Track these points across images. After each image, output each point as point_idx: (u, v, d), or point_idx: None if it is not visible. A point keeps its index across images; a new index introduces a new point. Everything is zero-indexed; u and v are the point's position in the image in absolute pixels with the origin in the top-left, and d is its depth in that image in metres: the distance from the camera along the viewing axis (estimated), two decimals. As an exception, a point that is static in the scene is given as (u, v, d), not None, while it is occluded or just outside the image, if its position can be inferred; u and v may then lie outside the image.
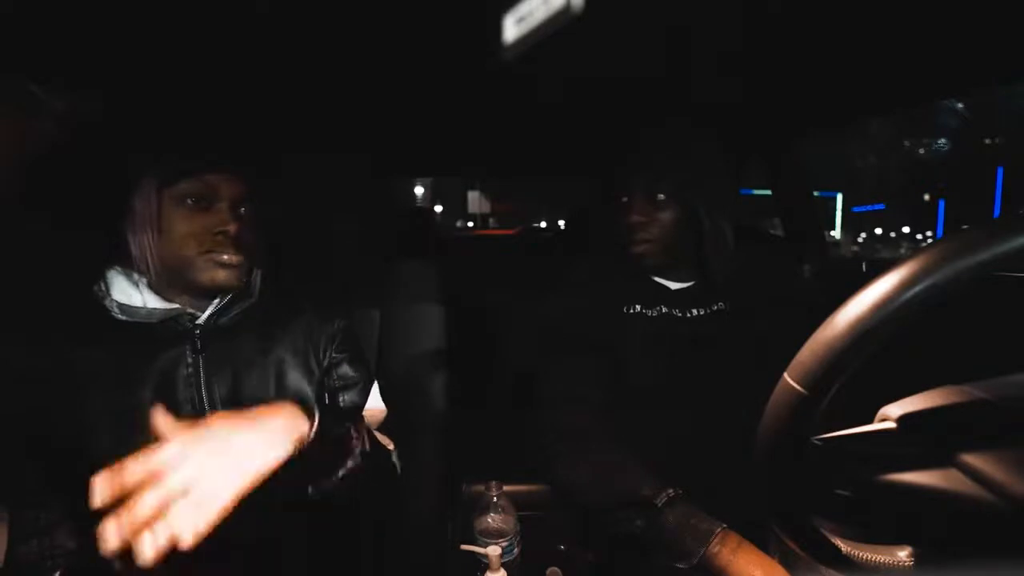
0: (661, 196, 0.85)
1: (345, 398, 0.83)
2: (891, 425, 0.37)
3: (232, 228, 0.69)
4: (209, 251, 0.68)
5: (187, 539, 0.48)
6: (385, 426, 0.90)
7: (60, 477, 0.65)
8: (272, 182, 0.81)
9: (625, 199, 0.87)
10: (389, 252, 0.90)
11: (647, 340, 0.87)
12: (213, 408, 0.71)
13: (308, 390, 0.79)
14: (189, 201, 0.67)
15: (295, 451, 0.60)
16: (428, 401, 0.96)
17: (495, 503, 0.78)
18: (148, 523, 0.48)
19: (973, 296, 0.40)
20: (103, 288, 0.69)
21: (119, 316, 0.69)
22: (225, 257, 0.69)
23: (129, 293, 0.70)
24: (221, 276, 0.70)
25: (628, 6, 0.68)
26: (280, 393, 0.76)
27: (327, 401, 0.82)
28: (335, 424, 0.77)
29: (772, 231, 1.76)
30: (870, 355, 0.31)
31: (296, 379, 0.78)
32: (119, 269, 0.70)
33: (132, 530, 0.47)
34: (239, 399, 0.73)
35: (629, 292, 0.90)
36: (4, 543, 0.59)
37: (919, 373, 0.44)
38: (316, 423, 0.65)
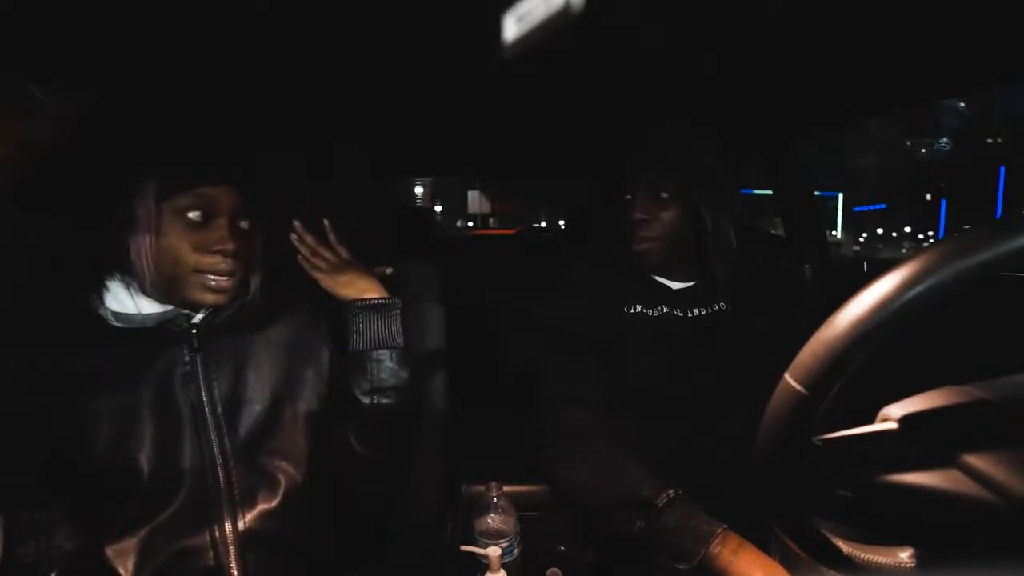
0: (664, 195, 0.85)
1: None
2: (892, 425, 0.37)
3: (230, 246, 0.68)
4: (202, 271, 0.68)
5: None
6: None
7: (60, 478, 0.65)
8: (273, 185, 0.81)
9: (628, 197, 0.87)
10: (389, 252, 0.90)
11: (648, 340, 0.87)
12: (212, 406, 0.71)
13: (314, 379, 0.79)
14: (188, 215, 0.67)
15: None
16: (428, 401, 0.96)
17: (495, 504, 0.78)
18: None
19: (975, 296, 0.40)
20: (98, 298, 0.69)
21: (115, 324, 0.69)
22: (214, 281, 0.69)
23: (123, 300, 0.70)
24: (209, 298, 0.70)
25: (627, 6, 0.68)
26: (284, 386, 0.76)
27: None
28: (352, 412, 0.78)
29: (772, 231, 1.76)
30: (871, 355, 0.31)
31: (300, 368, 0.78)
32: (115, 275, 0.70)
33: None
34: (240, 395, 0.73)
35: (630, 292, 0.90)
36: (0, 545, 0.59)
37: (920, 373, 0.44)
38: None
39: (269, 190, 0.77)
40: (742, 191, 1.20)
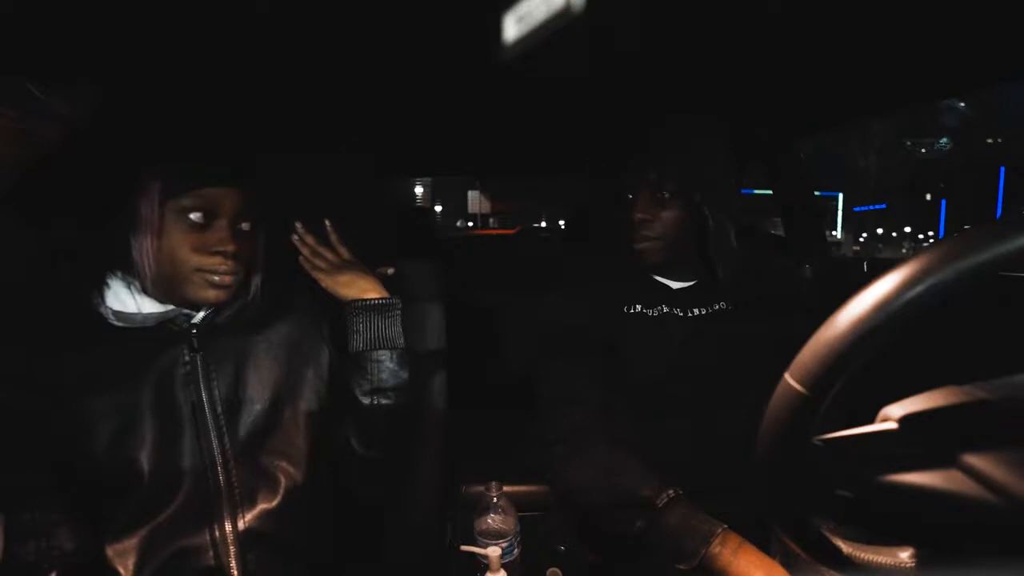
0: (666, 194, 0.85)
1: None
2: (893, 425, 0.37)
3: (230, 248, 0.68)
4: (203, 269, 0.68)
5: None
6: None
7: (60, 478, 0.65)
8: (274, 186, 0.81)
9: (630, 196, 0.87)
10: (389, 252, 0.90)
11: (648, 340, 0.87)
12: (213, 406, 0.71)
13: (314, 379, 0.79)
14: (190, 216, 0.67)
15: None
16: (428, 401, 0.96)
17: (495, 504, 0.78)
18: None
19: (975, 296, 0.40)
20: (99, 297, 0.69)
21: (116, 323, 0.69)
22: (217, 278, 0.69)
23: (124, 300, 0.70)
24: (211, 295, 0.70)
25: (627, 7, 0.68)
26: (284, 386, 0.76)
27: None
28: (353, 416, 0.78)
29: (772, 231, 1.76)
30: (871, 355, 0.31)
31: (300, 368, 0.78)
32: (116, 274, 0.70)
33: None
34: (240, 395, 0.73)
35: (630, 291, 0.90)
36: (0, 545, 0.59)
37: (921, 373, 0.44)
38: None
39: (271, 191, 0.77)
40: (742, 191, 1.20)
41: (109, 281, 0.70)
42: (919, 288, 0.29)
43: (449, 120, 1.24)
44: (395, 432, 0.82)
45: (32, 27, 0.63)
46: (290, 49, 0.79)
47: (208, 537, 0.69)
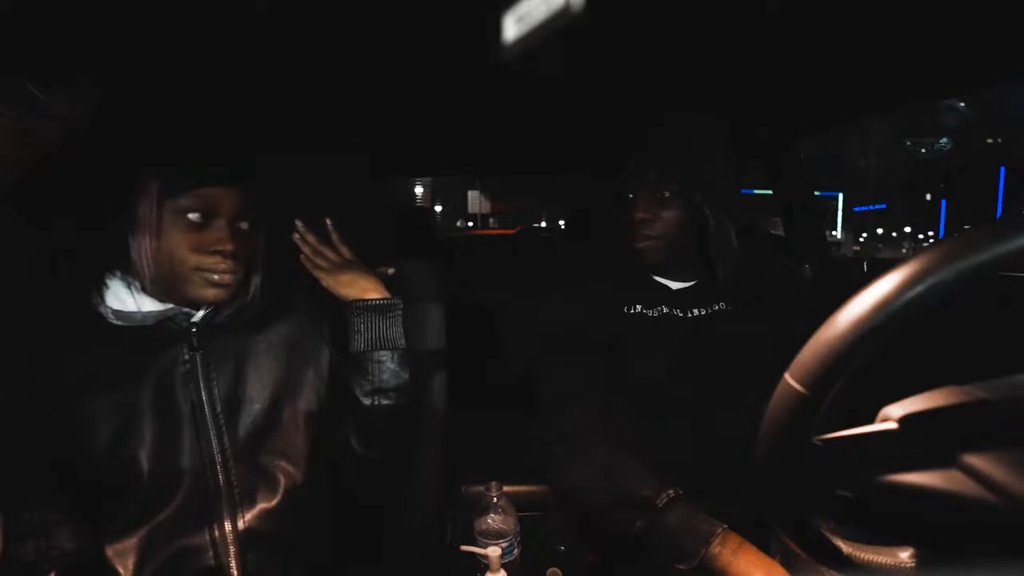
0: (666, 193, 0.85)
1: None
2: (893, 425, 0.37)
3: (229, 247, 0.68)
4: (202, 268, 0.68)
5: None
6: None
7: (60, 478, 0.65)
8: (274, 186, 0.81)
9: (630, 196, 0.87)
10: (390, 252, 0.90)
11: (648, 340, 0.87)
12: (212, 406, 0.71)
13: (314, 379, 0.79)
14: (189, 216, 0.67)
15: None
16: (428, 401, 0.96)
17: (495, 504, 0.78)
18: None
19: (975, 296, 0.40)
20: (98, 296, 0.69)
21: (115, 322, 0.69)
22: (216, 277, 0.69)
23: (123, 299, 0.70)
24: (211, 294, 0.70)
25: (627, 6, 0.68)
26: (284, 386, 0.76)
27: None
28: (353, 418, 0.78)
29: (772, 231, 1.76)
30: (871, 355, 0.31)
31: (300, 368, 0.78)
32: (115, 273, 0.70)
33: None
34: (239, 395, 0.73)
35: (630, 292, 0.90)
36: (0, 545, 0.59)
37: (921, 373, 0.44)
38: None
39: (270, 191, 0.77)
40: (742, 191, 1.20)
41: (108, 280, 0.70)
42: (919, 288, 0.29)
43: (449, 120, 1.24)
44: (395, 432, 0.82)
45: (32, 27, 0.63)
46: (289, 49, 0.79)
47: (208, 537, 0.69)
